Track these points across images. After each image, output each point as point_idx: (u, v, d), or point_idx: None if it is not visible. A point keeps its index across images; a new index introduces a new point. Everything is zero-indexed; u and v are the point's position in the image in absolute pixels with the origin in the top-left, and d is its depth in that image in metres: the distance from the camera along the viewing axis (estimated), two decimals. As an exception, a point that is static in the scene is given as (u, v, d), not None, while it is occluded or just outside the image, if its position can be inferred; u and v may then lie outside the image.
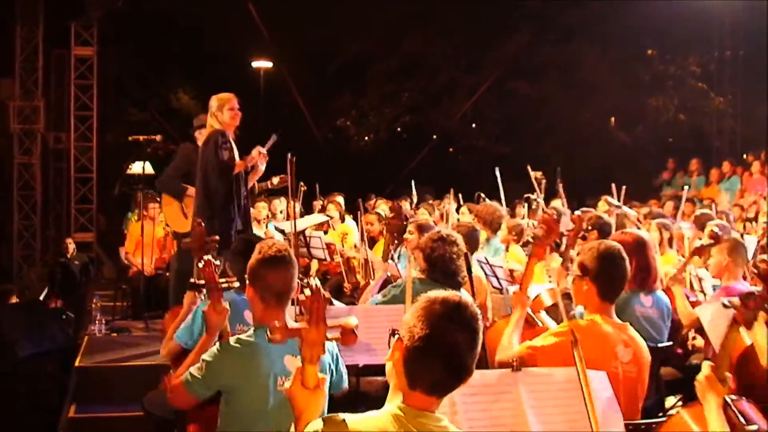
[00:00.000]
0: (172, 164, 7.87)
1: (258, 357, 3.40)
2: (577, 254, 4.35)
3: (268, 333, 2.56)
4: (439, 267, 5.11)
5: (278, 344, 2.63)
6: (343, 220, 9.99)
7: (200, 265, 3.78)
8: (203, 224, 4.57)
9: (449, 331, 2.39)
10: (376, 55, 19.73)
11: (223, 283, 3.80)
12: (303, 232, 7.94)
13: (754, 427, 3.21)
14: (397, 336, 2.45)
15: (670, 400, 5.90)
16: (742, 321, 3.45)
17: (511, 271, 7.53)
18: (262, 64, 20.11)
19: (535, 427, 3.31)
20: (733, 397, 3.35)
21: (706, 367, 3.35)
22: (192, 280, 4.17)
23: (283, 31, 18.05)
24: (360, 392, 4.81)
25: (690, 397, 5.28)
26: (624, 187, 9.89)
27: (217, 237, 4.48)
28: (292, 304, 4.23)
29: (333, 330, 2.55)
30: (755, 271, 3.61)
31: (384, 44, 19.24)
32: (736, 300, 3.46)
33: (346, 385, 3.80)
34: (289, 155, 6.50)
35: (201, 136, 7.17)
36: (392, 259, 7.12)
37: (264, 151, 6.86)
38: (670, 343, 5.41)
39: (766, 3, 15.42)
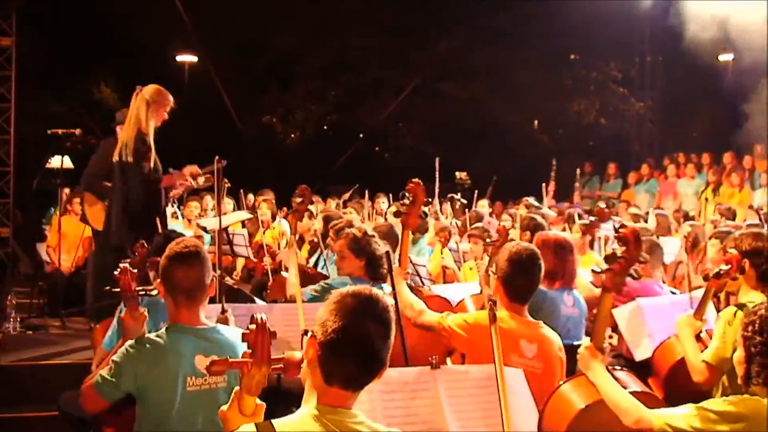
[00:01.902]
0: (93, 161, 7.67)
1: (167, 357, 3.36)
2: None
3: (207, 367, 2.58)
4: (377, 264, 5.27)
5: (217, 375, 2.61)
6: (274, 218, 9.93)
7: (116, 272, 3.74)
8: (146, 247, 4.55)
9: (362, 323, 2.42)
10: (303, 52, 19.64)
11: (140, 291, 3.76)
12: (226, 229, 7.86)
13: (636, 389, 3.44)
14: (310, 334, 2.47)
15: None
16: (611, 286, 3.55)
17: (445, 268, 7.63)
18: (186, 58, 19.79)
19: (453, 424, 3.36)
20: (611, 367, 3.58)
21: (586, 340, 3.54)
22: (108, 287, 4.12)
23: (208, 25, 17.83)
24: (282, 389, 4.81)
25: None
26: (552, 186, 10.11)
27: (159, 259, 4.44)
28: (216, 302, 4.21)
29: (277, 363, 2.56)
30: (615, 234, 3.73)
31: (312, 41, 19.16)
32: (602, 265, 3.61)
33: None
34: (217, 158, 6.42)
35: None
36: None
37: (200, 179, 6.75)
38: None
39: (685, 9, 15.90)
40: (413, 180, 4.75)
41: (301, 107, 20.76)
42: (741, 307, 4.12)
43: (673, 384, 4.81)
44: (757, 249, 4.31)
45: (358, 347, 2.41)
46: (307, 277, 6.21)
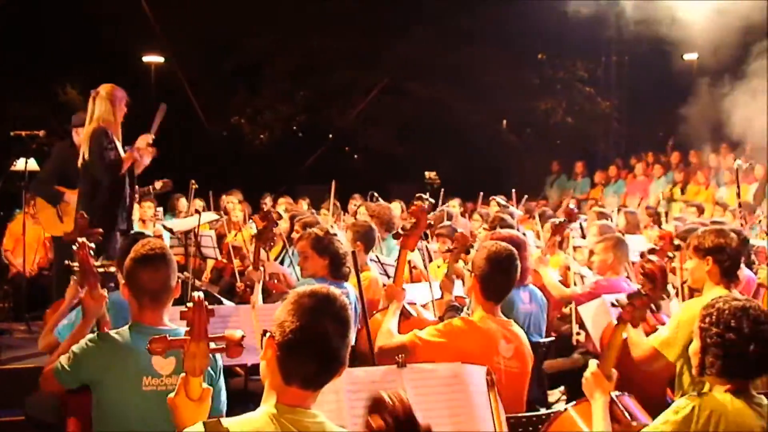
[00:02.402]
0: (46, 166, 7.60)
1: (126, 355, 3.36)
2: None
3: (148, 345, 2.56)
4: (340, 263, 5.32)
5: (157, 354, 2.61)
6: (245, 221, 9.88)
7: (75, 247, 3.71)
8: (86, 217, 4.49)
9: (319, 322, 2.42)
10: (272, 52, 19.57)
11: (98, 266, 3.73)
12: (193, 231, 7.82)
13: (640, 422, 3.34)
14: (268, 335, 2.47)
15: (555, 394, 6.11)
16: (629, 319, 3.50)
17: (411, 267, 7.64)
18: (153, 58, 19.61)
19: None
20: (618, 393, 3.48)
21: (592, 364, 3.41)
22: (67, 262, 4.09)
23: (175, 26, 17.69)
24: (249, 391, 4.82)
25: (573, 390, 5.52)
26: (513, 191, 10.20)
27: (101, 230, 4.40)
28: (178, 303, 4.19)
29: (218, 341, 2.57)
30: (641, 270, 3.64)
31: (280, 42, 19.10)
32: (623, 299, 3.52)
33: (223, 410, 3.56)
34: (192, 182, 6.36)
35: (79, 136, 6.94)
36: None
37: (150, 139, 6.69)
38: (552, 338, 5.60)
39: (650, 9, 16.08)
40: (416, 204, 4.80)
41: (270, 108, 20.67)
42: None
43: (620, 363, 4.92)
44: (719, 246, 4.39)
45: (317, 347, 2.41)
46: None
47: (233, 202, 10.12)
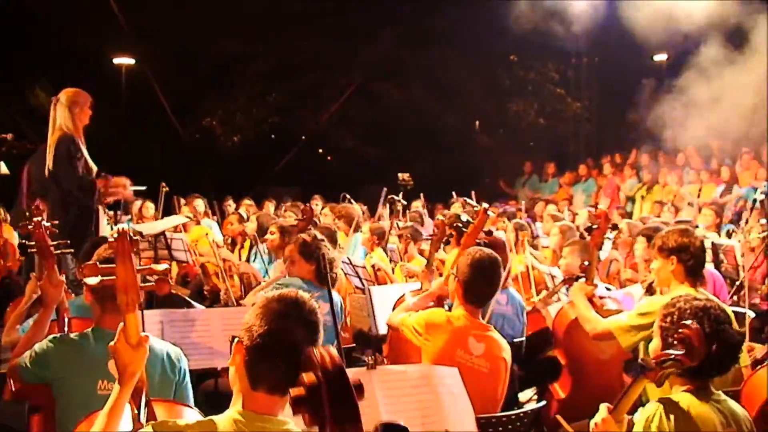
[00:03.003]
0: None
1: (84, 357, 3.38)
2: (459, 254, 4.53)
3: (77, 272, 2.57)
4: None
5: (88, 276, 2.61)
6: (198, 222, 9.87)
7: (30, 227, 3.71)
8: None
9: (288, 327, 2.42)
10: (244, 55, 19.50)
11: (54, 245, 3.72)
12: (163, 233, 7.79)
13: None
14: (236, 339, 2.46)
15: (527, 394, 6.13)
16: (653, 380, 3.08)
17: (376, 270, 7.66)
18: (124, 60, 19.45)
19: (390, 425, 3.38)
20: None
21: (603, 409, 3.14)
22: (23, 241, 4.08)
23: (146, 27, 17.56)
24: (219, 392, 4.81)
25: (544, 391, 5.55)
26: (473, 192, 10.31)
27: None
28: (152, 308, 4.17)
29: (145, 273, 2.63)
30: (676, 336, 3.12)
31: (252, 44, 19.04)
32: (649, 362, 3.08)
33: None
34: (163, 185, 6.33)
35: None
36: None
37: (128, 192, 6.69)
38: (523, 338, 5.64)
39: (619, 12, 16.24)
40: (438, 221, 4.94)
41: (242, 110, 20.59)
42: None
43: (571, 344, 5.09)
44: (684, 245, 4.46)
45: (285, 353, 2.39)
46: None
47: (189, 206, 10.11)
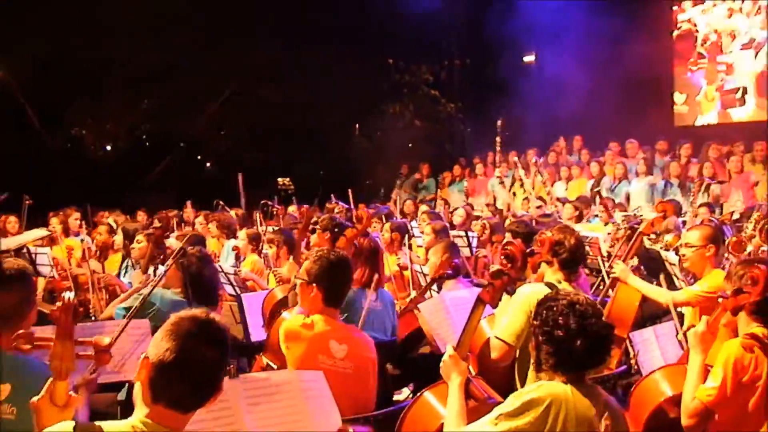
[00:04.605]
0: None
1: None
2: (305, 259, 4.49)
3: (15, 339, 2.53)
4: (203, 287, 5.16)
5: (27, 354, 2.60)
6: (67, 234, 9.54)
7: None
8: None
9: (197, 348, 2.46)
10: (113, 61, 18.89)
11: None
12: (26, 248, 7.50)
13: (494, 401, 3.48)
14: (144, 355, 2.48)
15: (404, 392, 6.19)
16: (488, 300, 3.67)
17: (245, 280, 7.59)
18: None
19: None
20: (474, 374, 3.75)
21: (449, 348, 3.60)
22: None
23: (8, 37, 16.81)
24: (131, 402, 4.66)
25: (421, 388, 5.62)
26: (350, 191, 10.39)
27: None
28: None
29: (86, 348, 2.60)
30: (503, 251, 3.84)
31: (122, 50, 18.47)
32: (483, 280, 3.70)
33: None
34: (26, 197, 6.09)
35: None
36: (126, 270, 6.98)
37: None
38: (395, 338, 5.69)
39: (487, 15, 16.69)
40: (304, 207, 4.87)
41: (113, 118, 20.00)
42: (550, 285, 4.46)
43: (484, 359, 4.97)
44: (559, 240, 4.69)
45: (192, 373, 2.44)
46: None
47: (58, 217, 9.81)
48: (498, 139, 15.27)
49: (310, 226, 6.98)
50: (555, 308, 3.17)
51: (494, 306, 3.72)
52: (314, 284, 4.20)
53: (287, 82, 19.57)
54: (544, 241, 4.72)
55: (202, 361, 2.44)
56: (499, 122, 15.29)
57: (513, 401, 3.07)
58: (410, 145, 20.45)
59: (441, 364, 3.58)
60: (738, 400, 3.58)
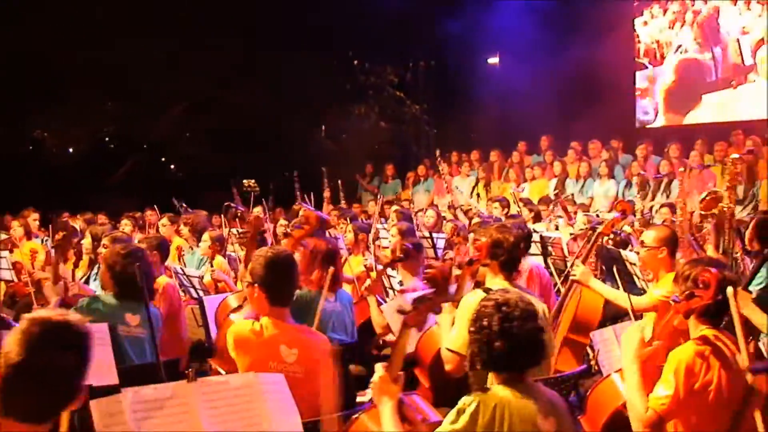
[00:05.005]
0: None
1: None
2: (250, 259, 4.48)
3: None
4: (131, 283, 5.01)
5: None
6: (30, 237, 9.43)
7: None
8: None
9: (47, 353, 2.31)
10: (76, 63, 18.65)
11: None
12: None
13: (431, 421, 3.45)
14: None
15: (368, 394, 6.19)
16: (412, 323, 3.59)
17: (216, 282, 7.56)
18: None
19: (212, 439, 3.34)
20: (407, 393, 3.58)
21: (379, 368, 3.46)
22: None
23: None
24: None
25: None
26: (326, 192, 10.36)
27: None
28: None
29: None
30: (425, 276, 3.86)
31: (84, 51, 18.25)
32: (408, 305, 3.63)
33: None
34: None
35: None
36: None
37: None
38: (355, 339, 5.70)
39: (455, 14, 16.76)
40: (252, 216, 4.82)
41: (75, 120, 19.75)
42: (486, 290, 4.41)
43: (436, 371, 5.03)
44: (498, 240, 4.66)
45: (43, 380, 2.29)
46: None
47: (19, 220, 9.70)
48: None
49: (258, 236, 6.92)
50: (482, 309, 3.26)
51: (419, 330, 3.73)
52: (256, 284, 4.16)
53: (252, 84, 19.47)
54: (480, 247, 4.71)
55: (54, 367, 2.29)
56: None
57: (452, 416, 3.12)
58: (376, 146, 20.48)
59: (371, 385, 3.49)
60: (691, 406, 3.58)
